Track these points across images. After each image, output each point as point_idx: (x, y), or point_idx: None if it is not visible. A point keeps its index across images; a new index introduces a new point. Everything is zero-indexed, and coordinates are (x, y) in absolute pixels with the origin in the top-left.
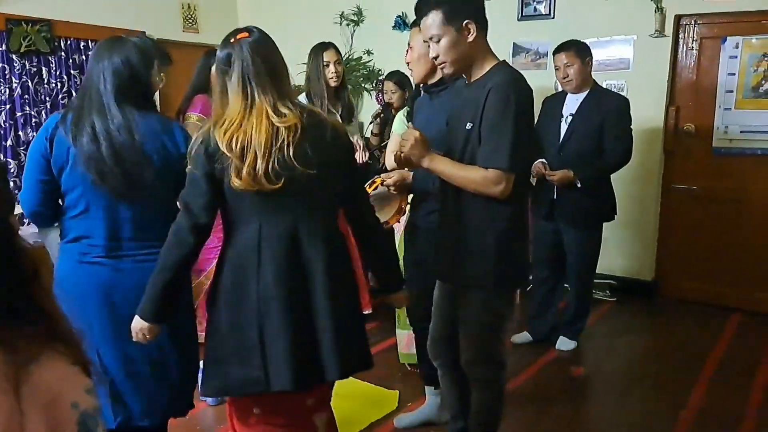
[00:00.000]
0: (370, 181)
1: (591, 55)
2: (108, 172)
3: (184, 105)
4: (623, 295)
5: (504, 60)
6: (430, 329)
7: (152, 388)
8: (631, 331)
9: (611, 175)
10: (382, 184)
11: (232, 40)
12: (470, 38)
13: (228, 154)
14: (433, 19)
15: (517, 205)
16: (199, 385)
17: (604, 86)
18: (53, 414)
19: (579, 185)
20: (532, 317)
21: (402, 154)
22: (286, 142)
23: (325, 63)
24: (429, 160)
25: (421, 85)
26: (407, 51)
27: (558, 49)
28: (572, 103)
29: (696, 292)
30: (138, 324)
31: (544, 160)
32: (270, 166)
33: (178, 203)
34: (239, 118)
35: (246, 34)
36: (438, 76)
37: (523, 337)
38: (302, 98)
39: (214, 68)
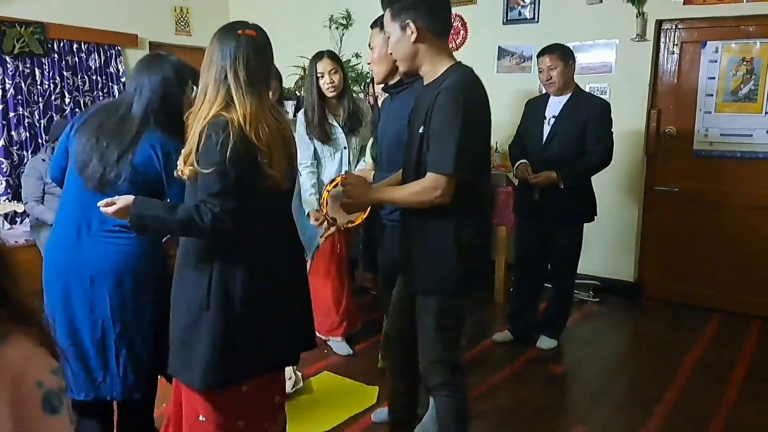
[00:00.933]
0: (331, 179)
1: (574, 58)
2: (90, 168)
3: None
4: (606, 295)
5: (459, 61)
6: (384, 327)
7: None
8: (612, 330)
9: (592, 177)
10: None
11: (239, 32)
12: (412, 38)
13: (259, 145)
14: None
15: (478, 211)
16: (197, 376)
17: (586, 89)
18: (17, 391)
19: (562, 186)
20: (514, 316)
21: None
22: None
23: (318, 74)
24: (374, 194)
25: (382, 86)
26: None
27: (542, 52)
28: (555, 106)
29: (677, 293)
30: (124, 205)
31: (526, 161)
32: (288, 169)
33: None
34: (256, 113)
35: (254, 32)
36: (398, 76)
37: (505, 335)
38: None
39: (214, 52)
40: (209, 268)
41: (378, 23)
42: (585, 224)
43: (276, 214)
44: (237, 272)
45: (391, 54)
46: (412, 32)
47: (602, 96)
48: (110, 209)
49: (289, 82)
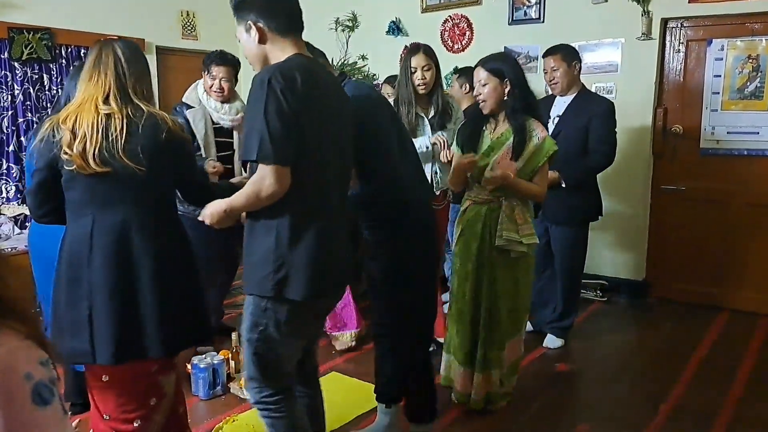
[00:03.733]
0: None
1: (578, 59)
2: None
3: None
4: (614, 294)
5: (296, 53)
6: None
7: None
8: (619, 329)
9: (599, 176)
10: None
11: (102, 39)
12: (256, 39)
13: (62, 126)
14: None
15: (294, 210)
16: None
17: (592, 89)
18: (5, 384)
19: (564, 185)
20: (531, 308)
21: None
22: (114, 135)
23: (412, 69)
24: (227, 205)
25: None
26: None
27: (546, 54)
28: (560, 105)
29: (685, 291)
30: None
31: None
32: (97, 150)
33: None
34: (80, 102)
35: (116, 37)
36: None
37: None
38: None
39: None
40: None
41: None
42: (592, 224)
43: (100, 197)
44: (62, 260)
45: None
46: (255, 33)
47: (608, 95)
48: None
49: None
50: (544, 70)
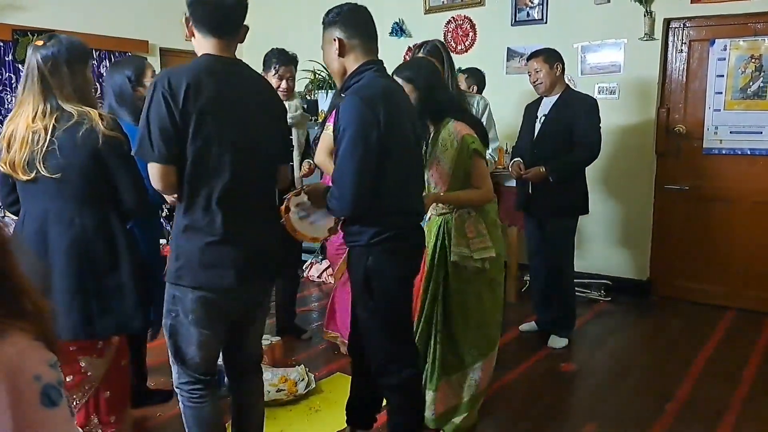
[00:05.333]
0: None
1: (561, 60)
2: None
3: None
4: (618, 294)
5: (206, 54)
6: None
7: None
8: (623, 329)
9: (603, 175)
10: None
11: (33, 43)
12: (191, 37)
13: (2, 142)
14: None
15: (189, 204)
16: None
17: (595, 89)
18: (15, 385)
19: (551, 180)
20: (537, 307)
21: None
22: (37, 148)
23: None
24: None
25: None
26: None
27: (529, 57)
28: (546, 105)
29: (689, 291)
30: None
31: (520, 159)
32: (24, 163)
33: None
34: (16, 114)
35: (41, 42)
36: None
37: (530, 326)
38: None
39: None
40: None
41: None
42: (595, 224)
43: (39, 195)
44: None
45: None
46: (190, 34)
47: (611, 95)
48: None
49: (299, 86)
50: (528, 72)
